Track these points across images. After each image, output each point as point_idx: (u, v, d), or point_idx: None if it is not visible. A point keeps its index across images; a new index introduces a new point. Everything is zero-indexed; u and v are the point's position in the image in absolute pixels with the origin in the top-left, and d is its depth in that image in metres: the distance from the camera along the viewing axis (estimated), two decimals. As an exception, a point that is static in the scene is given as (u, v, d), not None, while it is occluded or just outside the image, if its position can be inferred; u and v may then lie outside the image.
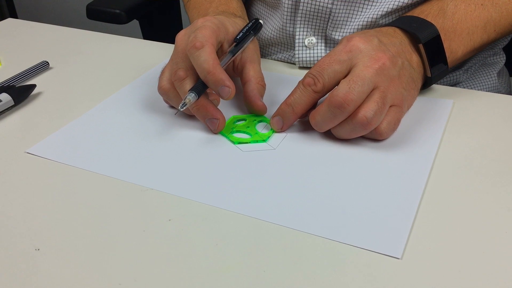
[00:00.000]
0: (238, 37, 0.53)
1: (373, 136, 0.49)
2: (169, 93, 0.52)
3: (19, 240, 0.40)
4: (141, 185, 0.45)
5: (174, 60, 0.51)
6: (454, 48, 0.56)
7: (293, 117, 0.50)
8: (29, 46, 0.75)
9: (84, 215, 0.42)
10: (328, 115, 0.47)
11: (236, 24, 0.56)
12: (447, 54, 0.54)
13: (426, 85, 0.56)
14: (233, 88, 0.48)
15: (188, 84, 0.50)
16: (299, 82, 0.49)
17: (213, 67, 0.48)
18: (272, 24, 0.69)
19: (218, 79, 0.48)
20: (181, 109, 0.48)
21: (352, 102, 0.45)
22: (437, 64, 0.54)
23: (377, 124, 0.47)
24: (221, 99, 0.53)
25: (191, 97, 0.48)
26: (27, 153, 0.50)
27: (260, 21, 0.57)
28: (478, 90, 0.71)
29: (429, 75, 0.54)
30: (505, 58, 0.74)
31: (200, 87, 0.49)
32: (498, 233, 0.39)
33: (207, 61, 0.48)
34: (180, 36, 0.53)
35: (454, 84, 0.71)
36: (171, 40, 0.71)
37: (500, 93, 0.72)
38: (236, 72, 0.57)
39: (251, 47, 0.55)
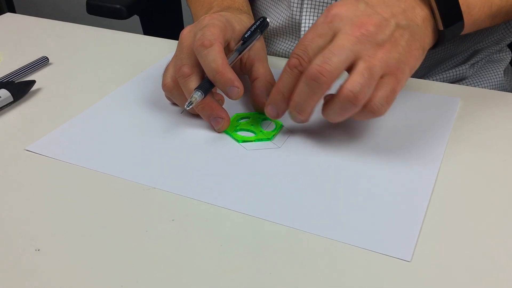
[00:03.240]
0: (246, 36, 0.52)
1: (367, 116, 0.45)
2: (173, 90, 0.51)
3: (18, 240, 0.39)
4: (144, 184, 0.44)
5: (179, 56, 0.50)
6: (470, 2, 0.51)
7: (285, 103, 0.47)
8: (28, 41, 0.74)
9: (85, 215, 0.41)
10: (305, 90, 0.44)
11: (242, 21, 0.55)
12: (462, 9, 0.49)
13: (440, 41, 0.50)
14: (241, 88, 0.48)
15: (193, 81, 0.49)
16: (285, 65, 0.46)
17: (222, 66, 0.47)
18: (277, 14, 0.68)
19: (227, 79, 0.47)
20: (187, 108, 0.47)
21: (328, 72, 0.42)
22: (450, 15, 0.48)
23: (366, 98, 0.43)
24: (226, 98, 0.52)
25: (197, 96, 0.47)
26: (27, 150, 0.49)
27: (268, 19, 0.56)
28: (485, 87, 0.70)
29: (441, 28, 0.49)
30: (511, 55, 0.73)
31: (207, 86, 0.48)
32: (509, 235, 0.38)
33: (216, 61, 0.47)
34: (185, 32, 0.51)
35: (460, 80, 0.70)
36: (172, 36, 0.70)
37: (506, 91, 0.71)
38: (243, 70, 0.55)
39: (258, 45, 0.54)
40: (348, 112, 0.44)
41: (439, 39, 0.50)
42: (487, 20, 0.55)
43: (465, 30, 0.51)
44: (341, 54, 0.43)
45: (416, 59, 0.47)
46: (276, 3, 0.69)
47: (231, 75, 0.47)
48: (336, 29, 0.44)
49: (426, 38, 0.48)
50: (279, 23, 0.67)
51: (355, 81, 0.42)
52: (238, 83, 0.47)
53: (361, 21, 0.44)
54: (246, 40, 0.52)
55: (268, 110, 0.49)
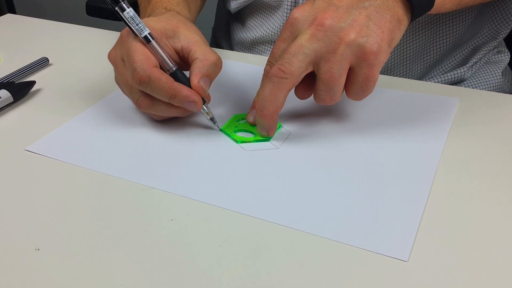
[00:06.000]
0: (143, 36, 0.48)
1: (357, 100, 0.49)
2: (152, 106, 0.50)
3: (18, 240, 0.39)
4: (143, 184, 0.44)
5: (125, 90, 0.50)
6: None
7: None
8: (28, 42, 0.74)
9: (84, 215, 0.41)
10: (268, 86, 0.46)
11: (160, 21, 0.51)
12: None
13: (415, 13, 0.48)
14: (198, 100, 0.48)
15: (161, 104, 0.49)
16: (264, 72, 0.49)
17: (172, 90, 0.47)
18: (272, 25, 0.69)
19: (182, 98, 0.47)
20: (216, 125, 0.51)
21: (287, 69, 0.44)
22: None
23: (337, 95, 0.46)
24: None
25: (207, 109, 0.50)
26: (27, 150, 0.49)
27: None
28: (483, 88, 0.70)
29: None
30: (509, 56, 0.74)
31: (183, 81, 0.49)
32: (506, 234, 0.38)
33: (164, 88, 0.47)
34: (113, 58, 0.51)
35: (459, 82, 0.71)
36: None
37: (504, 92, 0.71)
38: (184, 60, 0.51)
39: (186, 32, 0.50)
40: (332, 94, 0.47)
41: (413, 10, 0.48)
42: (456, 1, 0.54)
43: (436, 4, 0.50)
44: (299, 53, 0.44)
45: (391, 31, 0.46)
46: (270, 15, 0.70)
47: (184, 92, 0.47)
48: (296, 31, 0.46)
49: (398, 9, 0.46)
50: (274, 32, 0.68)
51: (317, 89, 0.46)
52: (193, 97, 0.47)
53: (316, 17, 0.45)
54: (148, 40, 0.48)
55: (248, 115, 0.52)
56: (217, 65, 0.49)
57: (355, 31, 0.44)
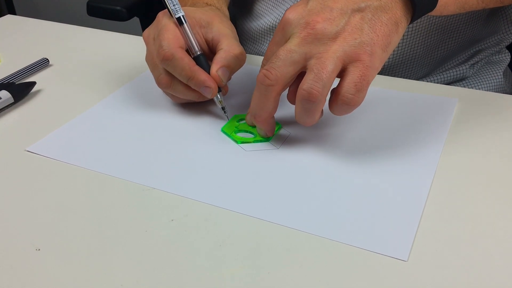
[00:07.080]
0: (177, 17, 0.51)
1: (346, 109, 0.44)
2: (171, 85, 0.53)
3: (19, 240, 0.39)
4: (143, 184, 0.44)
5: (150, 67, 0.53)
6: None
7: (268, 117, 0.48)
8: (28, 43, 0.75)
9: (85, 215, 0.41)
10: (257, 94, 0.45)
11: (205, 11, 0.54)
12: None
13: (416, 13, 0.46)
14: (214, 87, 0.50)
15: (179, 85, 0.51)
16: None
17: (191, 71, 0.49)
18: (278, 15, 0.68)
19: (199, 82, 0.50)
20: (226, 113, 0.52)
21: (273, 75, 0.43)
22: None
23: (323, 92, 0.42)
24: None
25: (220, 98, 0.52)
26: (27, 151, 0.49)
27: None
28: (484, 88, 0.71)
29: None
30: (510, 56, 0.74)
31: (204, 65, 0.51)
32: (505, 234, 0.38)
33: (184, 69, 0.49)
34: (146, 37, 0.53)
35: (461, 80, 0.70)
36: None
37: (505, 92, 0.71)
38: (212, 49, 0.54)
39: (220, 25, 0.53)
40: (313, 111, 0.44)
41: (415, 10, 0.46)
42: (459, 3, 0.52)
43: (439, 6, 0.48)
44: (286, 57, 0.43)
45: (387, 35, 0.44)
46: (278, 4, 0.69)
47: (202, 77, 0.50)
48: (288, 34, 0.45)
49: (397, 11, 0.44)
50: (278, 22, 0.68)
51: (305, 79, 0.42)
52: (209, 82, 0.50)
53: (308, 21, 0.43)
54: (180, 22, 0.51)
55: (246, 117, 0.51)
56: (239, 58, 0.51)
57: (347, 33, 0.42)
